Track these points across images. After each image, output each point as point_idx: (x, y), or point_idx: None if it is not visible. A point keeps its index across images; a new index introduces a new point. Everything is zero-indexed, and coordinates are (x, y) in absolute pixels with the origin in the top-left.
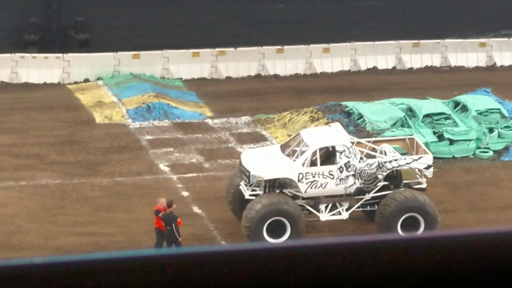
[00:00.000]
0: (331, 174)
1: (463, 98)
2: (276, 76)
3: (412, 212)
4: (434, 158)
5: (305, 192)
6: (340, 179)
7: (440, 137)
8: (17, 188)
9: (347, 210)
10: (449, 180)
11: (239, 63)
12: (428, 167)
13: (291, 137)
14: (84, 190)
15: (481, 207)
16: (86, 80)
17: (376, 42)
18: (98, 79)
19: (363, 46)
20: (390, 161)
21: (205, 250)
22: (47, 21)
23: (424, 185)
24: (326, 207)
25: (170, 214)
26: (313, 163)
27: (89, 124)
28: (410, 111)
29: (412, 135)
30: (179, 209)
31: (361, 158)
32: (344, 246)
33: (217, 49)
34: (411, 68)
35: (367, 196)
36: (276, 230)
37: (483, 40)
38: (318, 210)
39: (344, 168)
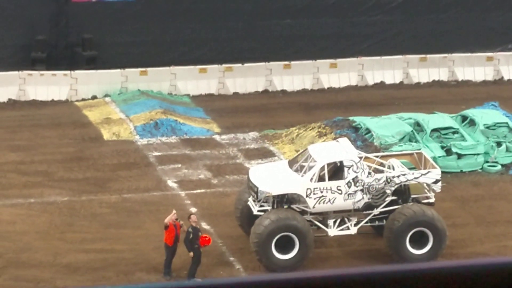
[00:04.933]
0: (339, 189)
1: (471, 112)
2: (283, 92)
3: (421, 226)
4: (442, 172)
5: (313, 207)
6: (348, 194)
7: (448, 152)
8: (25, 206)
9: (355, 225)
10: (457, 194)
11: (246, 79)
12: (436, 182)
13: (299, 152)
14: (92, 207)
15: (489, 221)
16: (94, 97)
17: (383, 57)
18: (106, 96)
19: (370, 61)
20: (398, 176)
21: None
22: (55, 39)
23: (432, 200)
24: (335, 222)
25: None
26: (321, 179)
27: (97, 141)
28: (417, 126)
29: (420, 149)
30: (187, 225)
31: (369, 173)
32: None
33: (224, 65)
34: (418, 83)
35: (376, 211)
36: (285, 245)
37: (490, 54)
38: (327, 225)
39: (352, 183)
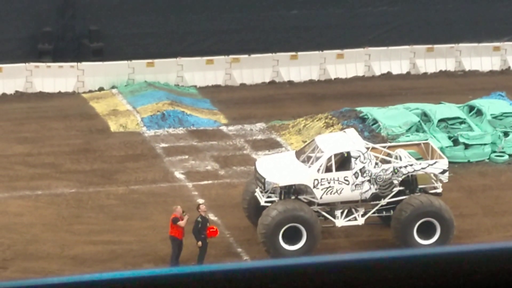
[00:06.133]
0: (347, 180)
1: (478, 102)
2: (290, 83)
3: (428, 217)
4: (450, 162)
5: (321, 198)
6: (355, 185)
7: (455, 142)
8: (33, 197)
9: (362, 215)
10: (464, 184)
11: (253, 70)
12: (443, 172)
13: (306, 143)
14: (99, 198)
15: (497, 211)
16: (101, 89)
17: (390, 47)
18: (113, 87)
19: (377, 52)
20: (406, 166)
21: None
22: (61, 30)
23: (439, 190)
24: (342, 213)
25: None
26: (328, 169)
27: (104, 132)
28: (424, 116)
29: (427, 140)
30: (194, 216)
31: (376, 164)
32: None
33: (231, 56)
34: (425, 73)
35: (383, 202)
36: (292, 236)
37: (497, 44)
38: (334, 216)
39: (360, 173)
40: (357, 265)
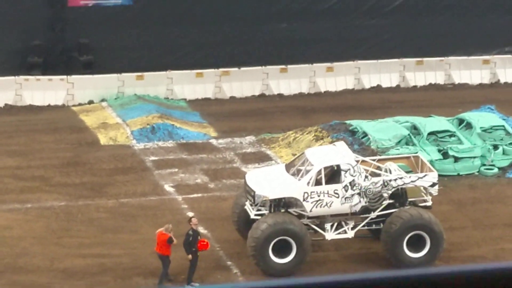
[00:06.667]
0: (336, 193)
1: (468, 115)
2: (280, 96)
3: (418, 230)
4: (439, 175)
5: (311, 211)
6: (345, 198)
7: (445, 155)
8: (22, 211)
9: (352, 228)
10: (454, 197)
11: (243, 83)
12: (433, 185)
13: (295, 156)
14: (89, 211)
15: (486, 224)
16: (90, 102)
17: (380, 61)
18: (102, 100)
19: (366, 65)
20: (395, 179)
21: None
22: (51, 43)
23: (429, 203)
24: (332, 226)
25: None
26: (318, 182)
27: (94, 145)
28: (414, 129)
29: (416, 153)
30: (184, 229)
31: (366, 177)
32: None
33: (221, 69)
34: (415, 86)
35: (373, 215)
36: (282, 249)
37: (486, 57)
38: (324, 229)
39: (349, 186)
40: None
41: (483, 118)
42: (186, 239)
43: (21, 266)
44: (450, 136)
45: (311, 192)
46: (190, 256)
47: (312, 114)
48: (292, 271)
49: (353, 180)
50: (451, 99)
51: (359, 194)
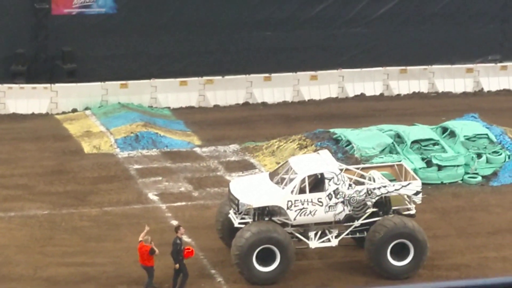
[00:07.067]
0: (320, 201)
1: (451, 124)
2: (264, 104)
3: (402, 238)
4: (423, 184)
5: (294, 219)
6: (329, 206)
7: (429, 163)
8: (5, 219)
9: (336, 237)
10: (438, 206)
11: (227, 91)
12: (416, 193)
13: (279, 164)
14: (73, 220)
15: (470, 232)
16: (74, 110)
17: (364, 69)
18: (86, 109)
19: (350, 73)
20: (379, 188)
21: None
22: (35, 52)
23: (413, 211)
24: (316, 234)
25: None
26: (302, 191)
27: (78, 154)
28: (398, 138)
29: (400, 161)
30: (168, 238)
31: (350, 185)
32: None
33: (205, 78)
34: (398, 95)
35: (357, 223)
36: (266, 258)
37: (470, 65)
38: (308, 238)
39: (333, 195)
40: None
41: (466, 126)
42: (174, 248)
43: (4, 274)
44: (434, 144)
45: (295, 201)
46: (177, 265)
47: (296, 123)
48: (276, 280)
49: (337, 189)
50: (435, 107)
51: (343, 202)
